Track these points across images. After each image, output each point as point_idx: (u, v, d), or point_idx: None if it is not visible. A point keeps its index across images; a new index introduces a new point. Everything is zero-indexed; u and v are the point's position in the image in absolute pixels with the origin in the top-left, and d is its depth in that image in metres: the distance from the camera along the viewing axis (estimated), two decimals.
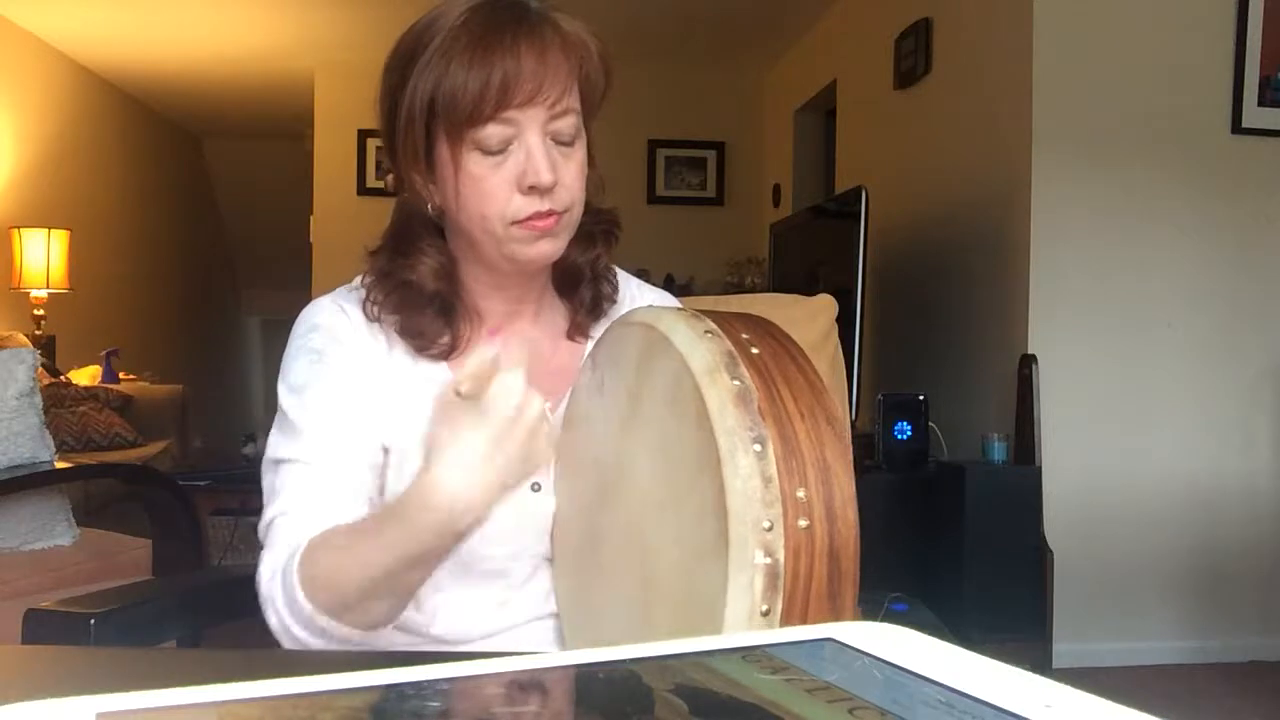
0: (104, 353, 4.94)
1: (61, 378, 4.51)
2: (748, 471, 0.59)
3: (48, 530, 2.37)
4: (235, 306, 8.96)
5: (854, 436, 1.90)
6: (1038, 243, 2.99)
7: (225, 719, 0.26)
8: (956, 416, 3.24)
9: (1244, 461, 3.03)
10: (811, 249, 3.80)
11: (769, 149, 5.76)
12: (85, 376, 4.79)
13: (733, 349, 0.64)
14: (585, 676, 0.30)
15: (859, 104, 4.55)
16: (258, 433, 4.65)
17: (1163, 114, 3.02)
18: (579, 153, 0.90)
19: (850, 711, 0.26)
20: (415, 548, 0.76)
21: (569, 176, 0.89)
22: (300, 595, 0.80)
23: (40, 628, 0.95)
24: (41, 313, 4.71)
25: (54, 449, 2.38)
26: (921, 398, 2.92)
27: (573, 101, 0.88)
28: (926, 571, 2.76)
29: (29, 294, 4.71)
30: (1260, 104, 3.02)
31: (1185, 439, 3.02)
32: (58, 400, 4.08)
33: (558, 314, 1.02)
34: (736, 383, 0.62)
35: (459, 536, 0.75)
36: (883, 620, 0.33)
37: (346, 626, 0.80)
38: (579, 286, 1.01)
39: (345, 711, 0.27)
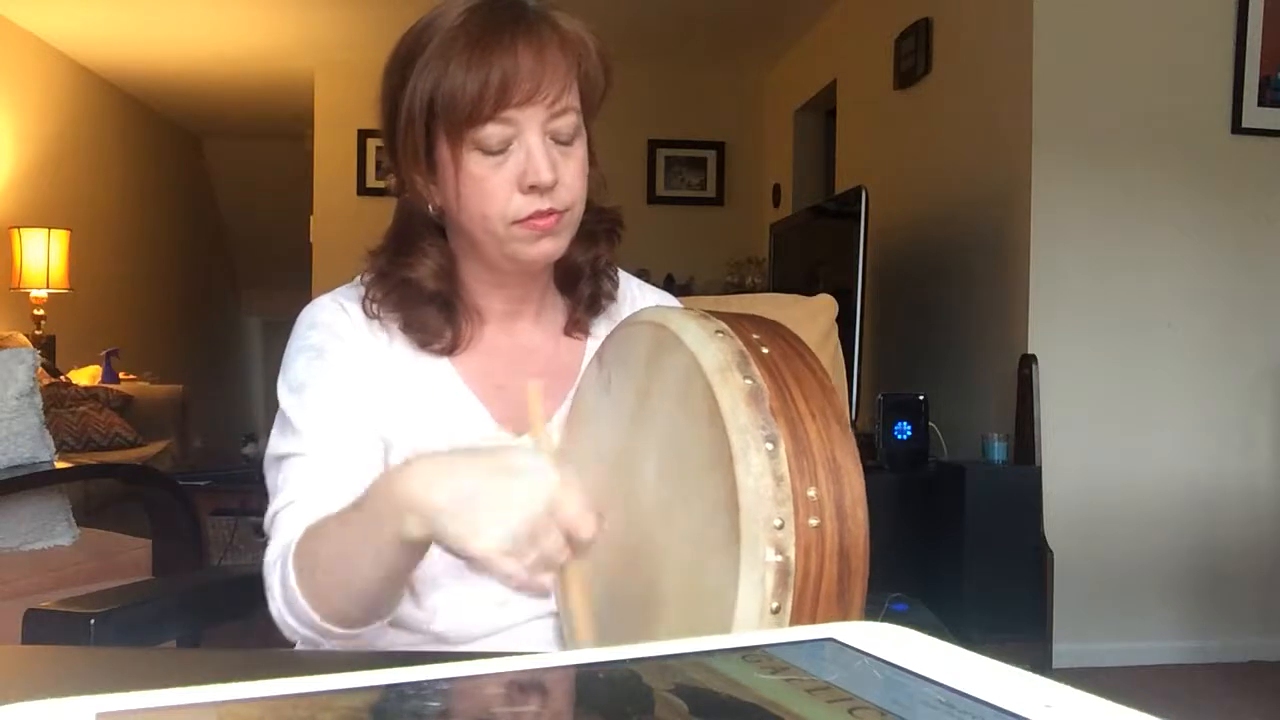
0: (104, 353, 4.94)
1: (61, 378, 4.51)
2: (760, 470, 0.59)
3: (48, 530, 2.37)
4: (235, 306, 8.96)
5: (854, 436, 1.90)
6: (1038, 243, 2.99)
7: (225, 719, 0.26)
8: (956, 416, 3.24)
9: (1244, 461, 3.03)
10: (811, 249, 3.80)
11: (769, 149, 5.76)
12: (85, 376, 4.79)
13: (744, 348, 0.64)
14: (585, 676, 0.30)
15: (859, 104, 4.55)
16: (258, 433, 4.65)
17: (1163, 114, 3.02)
18: (579, 151, 0.90)
19: (850, 711, 0.27)
20: (372, 529, 0.73)
21: (569, 175, 0.88)
22: (296, 588, 0.80)
23: (40, 628, 0.95)
24: (41, 313, 4.71)
25: (54, 449, 2.38)
26: (921, 398, 2.92)
27: (572, 100, 0.88)
28: (926, 571, 2.76)
29: (29, 294, 4.71)
30: (1260, 104, 3.02)
31: (1185, 439, 3.02)
32: (58, 400, 4.08)
33: (559, 313, 1.02)
34: (748, 381, 0.62)
35: (406, 539, 0.70)
36: (883, 620, 0.33)
37: (334, 624, 0.79)
38: (579, 284, 1.01)
39: (345, 711, 0.27)
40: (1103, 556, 2.99)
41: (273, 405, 0.95)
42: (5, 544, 2.30)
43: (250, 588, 0.88)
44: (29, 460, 2.29)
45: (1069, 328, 2.99)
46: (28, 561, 2.28)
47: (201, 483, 3.49)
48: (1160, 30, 3.02)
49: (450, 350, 0.95)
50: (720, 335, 0.65)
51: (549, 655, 0.31)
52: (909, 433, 2.88)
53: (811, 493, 0.60)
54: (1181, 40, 3.02)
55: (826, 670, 0.29)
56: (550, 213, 0.88)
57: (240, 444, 4.77)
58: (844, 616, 0.60)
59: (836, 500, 0.60)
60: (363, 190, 5.64)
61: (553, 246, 0.91)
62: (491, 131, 0.86)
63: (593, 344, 0.99)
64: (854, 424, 2.30)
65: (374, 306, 0.95)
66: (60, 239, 4.80)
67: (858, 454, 0.63)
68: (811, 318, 1.30)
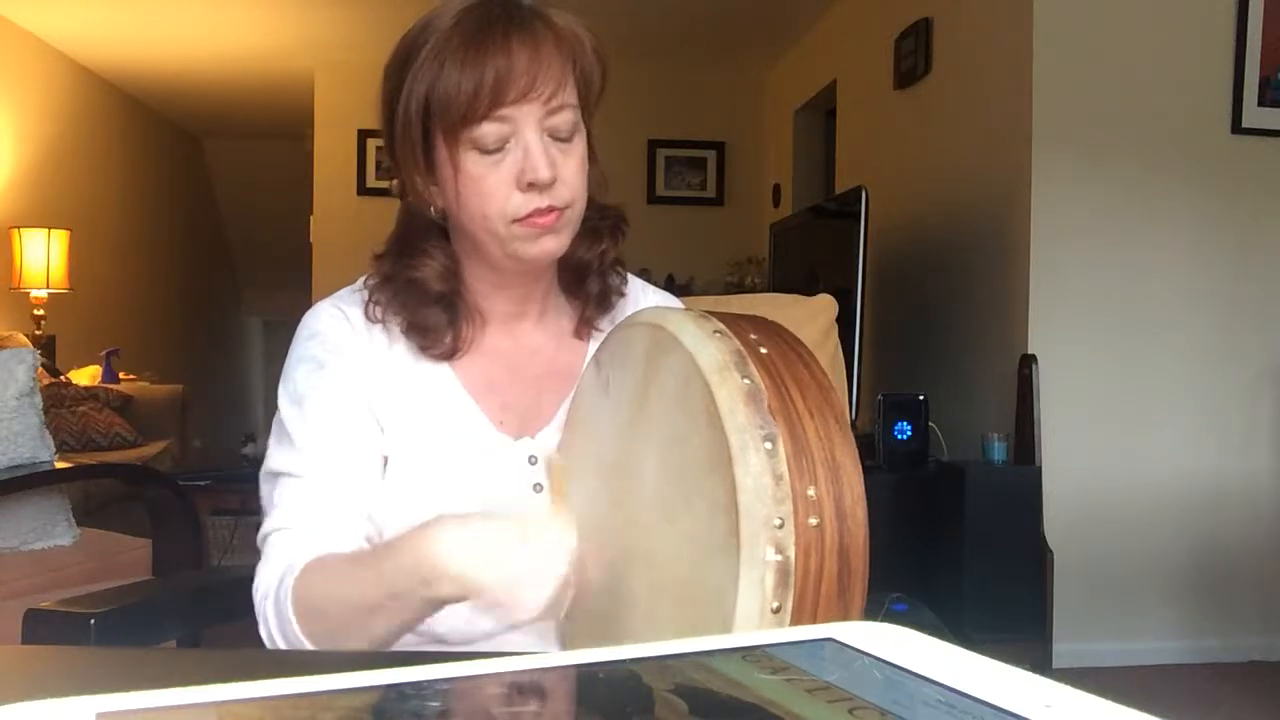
0: (104, 353, 4.94)
1: (61, 378, 4.51)
2: (759, 469, 0.59)
3: (48, 530, 2.37)
4: (235, 306, 8.96)
5: (854, 436, 1.90)
6: (1038, 243, 2.99)
7: (225, 719, 0.26)
8: (956, 416, 3.24)
9: (1244, 461, 3.03)
10: (811, 249, 3.80)
11: (769, 149, 5.76)
12: (85, 376, 4.79)
13: (741, 348, 0.64)
14: (585, 676, 0.30)
15: (859, 104, 4.55)
16: (258, 433, 4.65)
17: (1163, 114, 3.02)
18: (578, 148, 0.90)
19: (850, 711, 0.26)
20: (391, 584, 0.77)
21: (568, 172, 0.88)
22: (294, 626, 0.82)
23: (40, 628, 0.95)
24: (41, 313, 4.71)
25: (54, 449, 2.39)
26: (921, 398, 2.92)
27: (568, 97, 0.88)
28: (926, 571, 2.76)
29: (29, 294, 4.71)
30: (1260, 104, 3.02)
31: (1185, 439, 3.02)
32: (58, 400, 4.08)
33: (563, 314, 1.02)
34: (746, 381, 0.62)
35: (431, 597, 0.76)
36: (883, 620, 0.33)
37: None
38: (586, 281, 1.01)
39: (345, 711, 0.27)
40: (1103, 556, 2.99)
41: (273, 405, 0.96)
42: (5, 544, 2.30)
43: (251, 589, 0.88)
44: (29, 460, 2.29)
45: (1069, 328, 2.99)
46: (28, 561, 2.28)
47: (201, 483, 3.49)
48: (1160, 30, 3.02)
49: (450, 354, 0.95)
50: (718, 335, 0.65)
51: (549, 655, 0.31)
52: (909, 433, 2.88)
53: (811, 492, 0.60)
54: (1181, 40, 3.02)
55: (826, 670, 0.29)
56: (550, 210, 0.88)
57: (240, 444, 4.77)
58: (844, 616, 0.60)
59: (836, 499, 0.60)
60: (363, 190, 5.64)
61: (555, 244, 0.91)
62: (488, 130, 0.85)
63: (595, 345, 0.99)
64: (854, 424, 2.30)
65: (377, 309, 0.95)
66: (60, 239, 4.80)
67: (857, 453, 0.63)
68: (811, 318, 1.30)
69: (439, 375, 0.95)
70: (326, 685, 0.28)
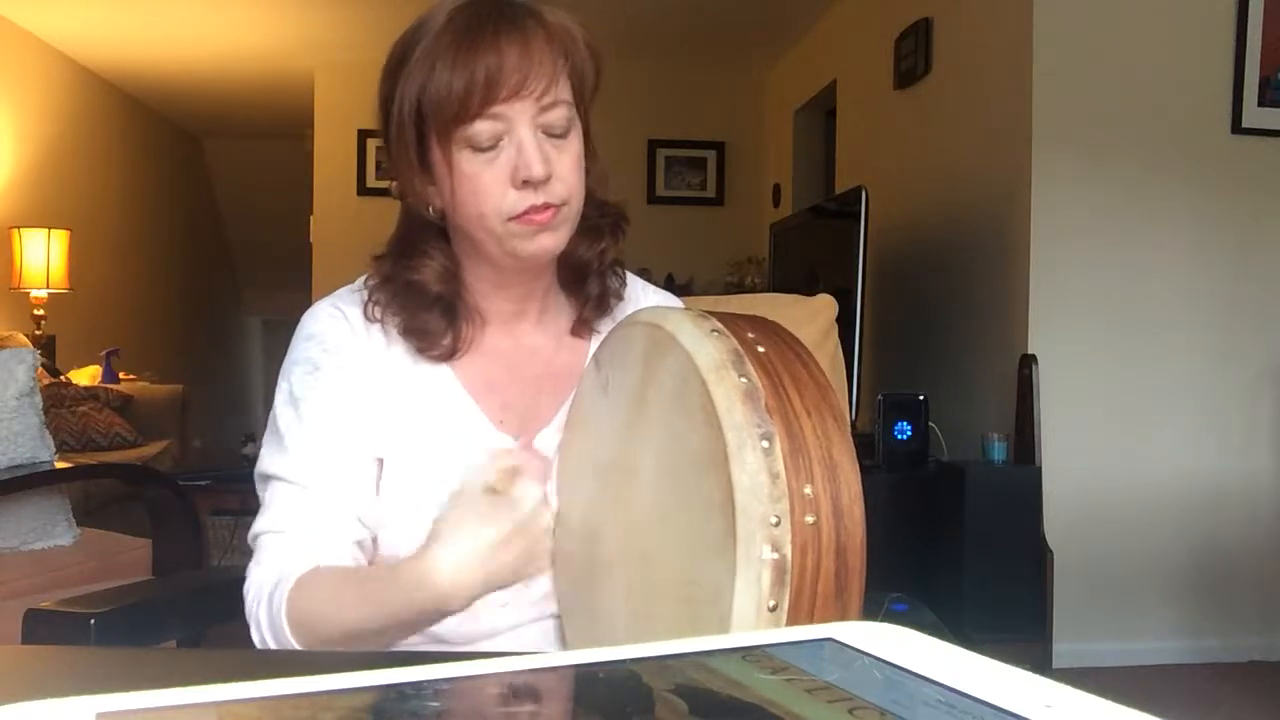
0: (104, 353, 4.94)
1: (61, 378, 4.51)
2: (755, 467, 0.59)
3: (48, 530, 2.37)
4: (235, 306, 8.96)
5: (854, 436, 1.90)
6: (1038, 243, 2.99)
7: (225, 719, 0.26)
8: (956, 416, 3.24)
9: (1244, 461, 3.03)
10: (811, 249, 3.80)
11: (769, 149, 5.76)
12: (85, 376, 4.79)
13: (739, 347, 0.64)
14: (585, 676, 0.30)
15: (859, 104, 4.55)
16: (258, 433, 4.64)
17: (1163, 114, 3.02)
18: (573, 144, 0.90)
19: (850, 711, 0.26)
20: (399, 615, 0.80)
21: (563, 169, 0.88)
22: (288, 635, 0.84)
23: (40, 628, 0.95)
24: (41, 313, 4.71)
25: (54, 449, 2.39)
26: (921, 398, 2.92)
27: (562, 93, 0.88)
28: (926, 571, 2.76)
29: (29, 294, 4.71)
30: (1260, 104, 3.02)
31: (1185, 439, 3.02)
32: (58, 400, 4.08)
33: (563, 314, 1.02)
34: (743, 380, 0.62)
35: (443, 615, 0.80)
36: (883, 620, 0.33)
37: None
38: (586, 281, 1.00)
39: (345, 711, 0.27)
40: (1103, 556, 2.99)
41: (272, 405, 0.96)
42: (5, 544, 2.30)
43: None
44: (29, 460, 2.29)
45: (1069, 328, 2.99)
46: (28, 561, 2.28)
47: (201, 483, 3.49)
48: (1160, 30, 3.02)
49: (449, 355, 0.95)
50: (716, 334, 0.65)
51: (548, 655, 0.31)
52: (909, 433, 2.88)
53: (808, 490, 0.60)
54: (1181, 40, 3.02)
55: (826, 670, 0.29)
56: (546, 207, 0.88)
57: (240, 444, 4.77)
58: (842, 614, 0.60)
59: (833, 498, 0.60)
60: (363, 190, 5.64)
61: (552, 241, 0.90)
62: (481, 128, 0.85)
63: (595, 345, 0.99)
64: (854, 424, 2.29)
65: (375, 309, 0.95)
66: (60, 239, 4.80)
67: (854, 452, 0.63)
68: (811, 318, 1.30)
69: (438, 375, 0.95)
70: (326, 685, 0.28)
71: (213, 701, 0.27)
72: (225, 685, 0.27)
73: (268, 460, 0.93)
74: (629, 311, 0.99)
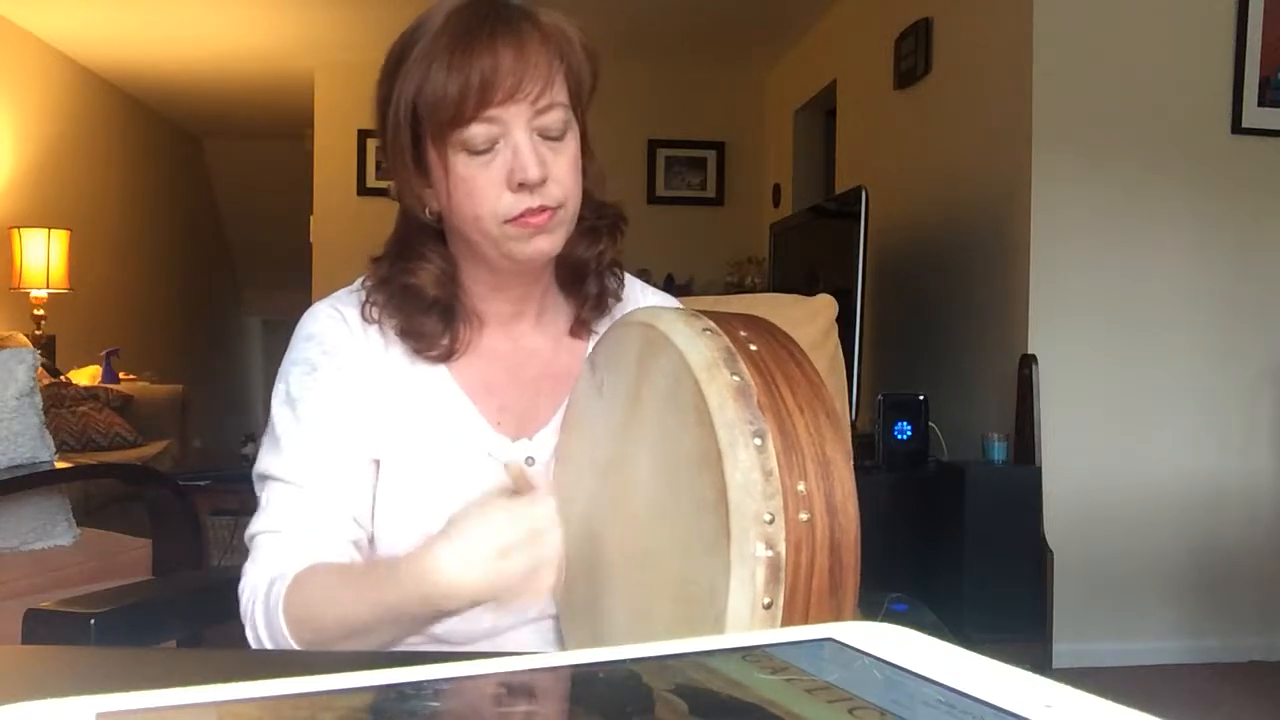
0: (104, 353, 4.94)
1: (61, 378, 4.51)
2: (748, 465, 0.59)
3: (48, 530, 2.37)
4: (235, 306, 8.96)
5: (854, 436, 1.90)
6: (1038, 243, 2.99)
7: (225, 719, 0.26)
8: (956, 416, 3.24)
9: (1244, 461, 3.03)
10: (811, 249, 3.80)
11: (769, 149, 5.76)
12: (85, 376, 4.79)
13: (731, 345, 0.64)
14: (585, 676, 0.30)
15: (859, 104, 4.55)
16: (257, 433, 4.64)
17: (1163, 114, 3.02)
18: (570, 146, 0.89)
19: (850, 711, 0.26)
20: (397, 610, 0.79)
21: (560, 171, 0.88)
22: (285, 633, 0.83)
23: (40, 628, 0.95)
24: (41, 313, 4.71)
25: (54, 449, 2.39)
26: (921, 398, 2.92)
27: (558, 95, 0.88)
28: (926, 571, 2.76)
29: (29, 294, 4.71)
30: (1260, 104, 3.02)
31: (1185, 439, 3.02)
32: (58, 400, 4.08)
33: (561, 315, 1.02)
34: (735, 378, 0.62)
35: (440, 615, 0.78)
36: (883, 620, 0.33)
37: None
38: (584, 282, 1.00)
39: (345, 711, 0.27)
40: (1103, 556, 2.99)
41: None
42: (5, 544, 2.30)
43: None
44: (29, 460, 2.29)
45: (1069, 328, 2.99)
46: (28, 561, 2.28)
47: (201, 483, 3.49)
48: (1160, 30, 3.02)
49: (446, 357, 0.95)
50: (708, 333, 0.66)
51: (548, 656, 0.31)
52: (909, 433, 2.88)
53: (801, 487, 0.60)
54: (1181, 40, 3.02)
55: (826, 670, 0.29)
56: (542, 209, 0.87)
57: (240, 444, 4.77)
58: (837, 611, 0.60)
59: (827, 495, 0.60)
60: (363, 190, 5.64)
61: (548, 243, 0.90)
62: (477, 131, 0.85)
63: (593, 346, 0.99)
64: (854, 424, 2.29)
65: (373, 311, 0.95)
66: (60, 239, 4.80)
67: (849, 449, 0.63)
68: (811, 318, 1.30)
69: (436, 376, 0.95)
70: (326, 685, 0.28)
71: (213, 701, 0.27)
72: (225, 685, 0.27)
73: (265, 460, 0.93)
74: (627, 312, 0.99)
